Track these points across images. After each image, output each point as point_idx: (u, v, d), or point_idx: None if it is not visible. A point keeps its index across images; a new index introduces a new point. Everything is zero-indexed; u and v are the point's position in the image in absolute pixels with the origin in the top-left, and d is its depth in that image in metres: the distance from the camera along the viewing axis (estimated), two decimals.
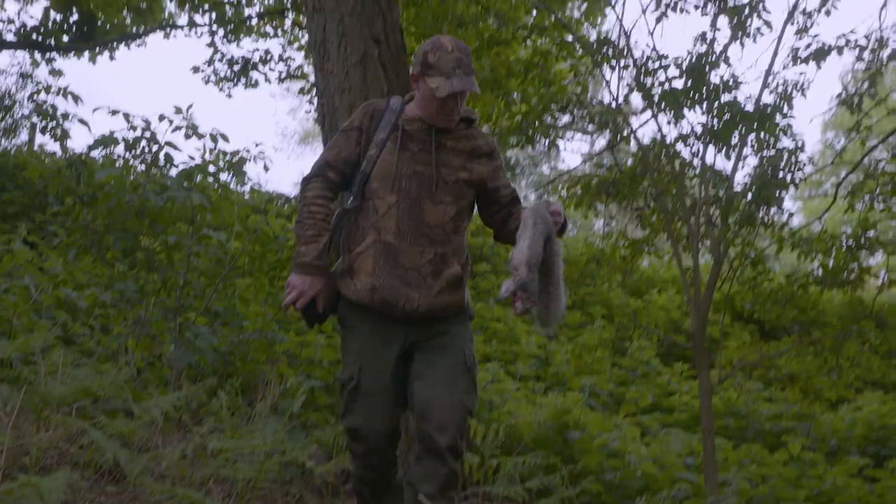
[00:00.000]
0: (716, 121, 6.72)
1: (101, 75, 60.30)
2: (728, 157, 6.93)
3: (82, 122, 6.39)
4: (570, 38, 8.80)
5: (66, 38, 14.88)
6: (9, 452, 3.63)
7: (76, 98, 6.30)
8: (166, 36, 15.59)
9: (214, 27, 14.69)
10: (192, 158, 6.15)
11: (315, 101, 6.25)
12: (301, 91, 14.30)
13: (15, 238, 8.33)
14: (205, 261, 6.37)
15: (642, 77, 7.08)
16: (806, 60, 6.98)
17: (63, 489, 3.12)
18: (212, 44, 14.62)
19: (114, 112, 6.13)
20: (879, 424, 9.57)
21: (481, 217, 3.64)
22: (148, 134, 6.07)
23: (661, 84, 7.00)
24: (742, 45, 6.92)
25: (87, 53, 15.19)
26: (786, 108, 6.79)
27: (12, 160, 11.88)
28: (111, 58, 15.66)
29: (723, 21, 6.98)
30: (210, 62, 14.59)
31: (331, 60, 5.32)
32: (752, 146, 6.92)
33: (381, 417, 3.31)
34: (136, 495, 3.92)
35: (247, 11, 14.76)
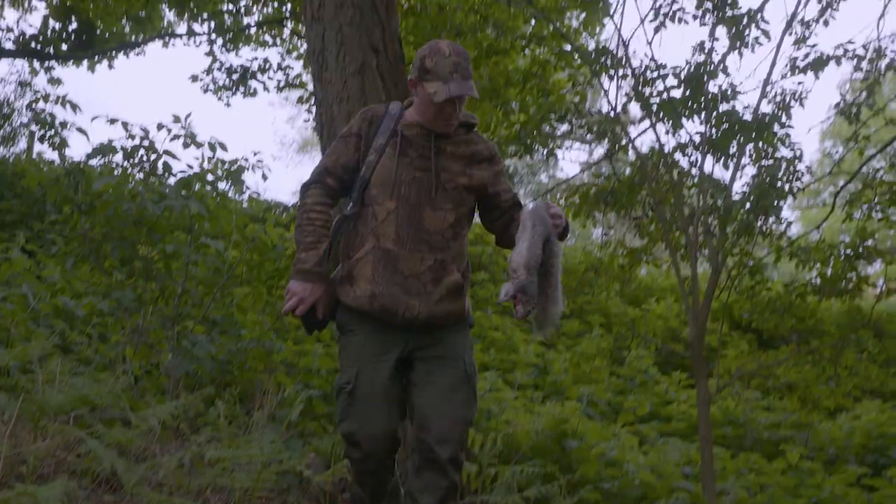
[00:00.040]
0: (714, 130, 6.73)
1: (100, 84, 60.38)
2: (726, 166, 6.95)
3: (81, 130, 6.38)
4: (568, 47, 8.82)
5: (64, 47, 14.90)
6: (6, 461, 3.62)
7: (75, 107, 6.30)
8: (165, 45, 15.63)
9: (213, 36, 14.71)
10: (190, 167, 6.15)
11: (314, 110, 6.26)
12: (300, 100, 14.31)
13: (13, 246, 8.31)
14: (203, 269, 6.36)
15: (641, 86, 7.10)
16: (804, 70, 7.00)
17: (60, 498, 3.12)
18: (210, 53, 14.63)
19: (112, 121, 6.13)
20: (878, 433, 9.58)
21: (482, 222, 3.62)
22: (146, 143, 6.06)
23: (660, 94, 7.02)
24: (740, 54, 6.95)
25: (85, 62, 15.20)
26: (784, 118, 6.80)
27: (11, 168, 11.90)
28: (110, 66, 15.68)
29: (721, 31, 7.01)
30: (209, 71, 14.60)
31: (329, 70, 5.32)
32: (751, 156, 6.94)
33: (377, 422, 3.26)
34: None
35: (246, 20, 14.78)
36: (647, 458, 6.92)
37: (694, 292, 6.75)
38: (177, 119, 6.09)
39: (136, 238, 5.97)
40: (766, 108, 6.96)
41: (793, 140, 6.82)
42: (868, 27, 36.83)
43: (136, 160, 6.12)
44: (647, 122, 7.35)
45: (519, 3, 8.70)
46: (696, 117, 6.84)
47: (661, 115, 6.96)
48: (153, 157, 6.10)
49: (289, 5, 13.35)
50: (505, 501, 5.21)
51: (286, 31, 14.36)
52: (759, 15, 6.95)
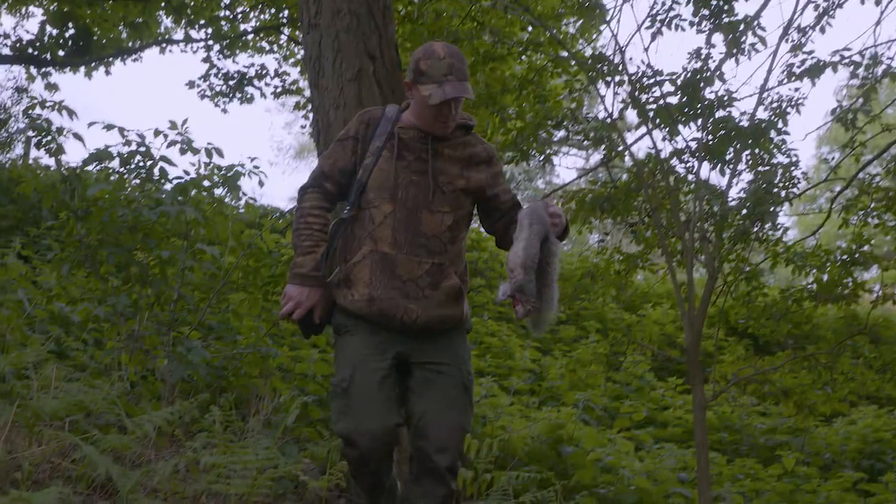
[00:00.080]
0: (710, 137, 6.73)
1: (97, 90, 60.42)
2: (723, 172, 6.94)
3: (77, 136, 6.36)
4: (565, 54, 8.83)
5: (61, 53, 14.88)
6: (1, 467, 3.62)
7: (71, 113, 6.28)
8: (162, 51, 15.61)
9: (210, 42, 14.70)
10: (186, 173, 6.14)
11: (310, 116, 6.26)
12: (296, 106, 14.30)
13: (9, 252, 8.32)
14: (198, 275, 6.36)
15: (637, 93, 7.10)
16: (801, 76, 6.99)
17: None
18: (207, 59, 14.63)
19: (109, 127, 6.11)
20: (874, 439, 9.58)
21: (482, 224, 3.60)
22: (143, 149, 6.06)
23: (656, 100, 7.01)
24: (737, 61, 6.95)
25: (82, 68, 15.18)
26: (780, 124, 6.80)
27: (7, 174, 11.90)
28: (107, 72, 15.69)
29: (718, 37, 7.01)
30: (206, 77, 14.59)
31: (326, 76, 5.32)
32: (747, 162, 6.93)
33: (373, 420, 3.20)
34: None
35: (242, 27, 14.78)
36: (643, 464, 6.92)
37: (690, 298, 6.75)
38: (173, 125, 6.09)
39: (131, 244, 5.96)
40: (762, 114, 6.96)
41: (789, 146, 6.83)
42: (865, 34, 36.90)
43: (133, 166, 6.11)
44: (643, 129, 7.35)
45: (516, 10, 8.71)
46: (692, 123, 6.83)
47: (658, 121, 6.96)
48: (150, 163, 6.10)
49: (286, 12, 13.37)
50: None
51: (283, 38, 14.37)
52: (755, 22, 6.96)
